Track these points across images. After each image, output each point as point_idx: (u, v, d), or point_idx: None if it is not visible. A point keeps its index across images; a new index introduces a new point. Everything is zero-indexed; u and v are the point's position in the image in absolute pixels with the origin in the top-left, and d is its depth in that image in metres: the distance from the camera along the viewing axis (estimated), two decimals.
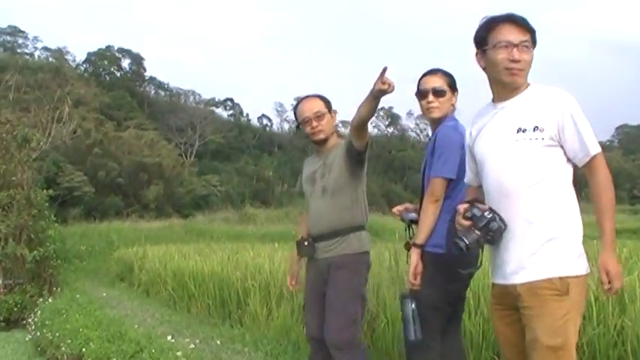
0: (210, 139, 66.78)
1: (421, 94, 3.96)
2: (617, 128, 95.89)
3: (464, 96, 4.05)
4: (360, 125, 3.87)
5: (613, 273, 2.77)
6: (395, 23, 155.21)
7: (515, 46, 2.91)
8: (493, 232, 2.94)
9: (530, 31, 2.96)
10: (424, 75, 4.01)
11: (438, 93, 3.93)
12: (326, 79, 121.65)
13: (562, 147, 2.88)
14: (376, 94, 3.52)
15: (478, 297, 5.30)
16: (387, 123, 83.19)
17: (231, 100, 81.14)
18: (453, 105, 4.00)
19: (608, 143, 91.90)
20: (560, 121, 2.84)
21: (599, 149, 2.86)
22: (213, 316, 8.64)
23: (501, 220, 2.93)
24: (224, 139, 68.88)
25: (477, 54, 3.07)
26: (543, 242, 2.86)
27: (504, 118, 3.00)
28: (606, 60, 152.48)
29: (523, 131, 2.91)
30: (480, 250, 3.13)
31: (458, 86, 4.01)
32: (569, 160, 2.91)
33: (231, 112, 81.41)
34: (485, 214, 2.96)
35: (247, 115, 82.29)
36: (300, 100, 4.44)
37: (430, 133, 4.07)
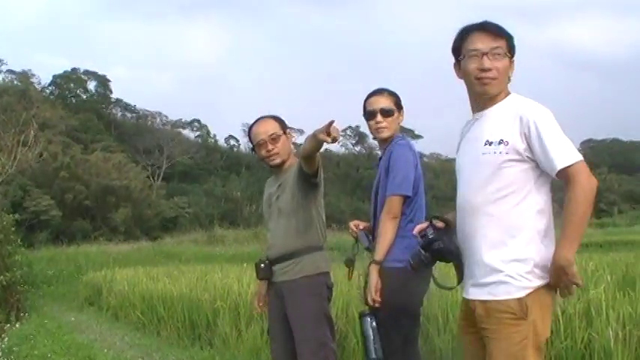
0: (177, 161, 66.48)
1: (370, 115, 4.01)
2: (582, 143, 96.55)
3: None
4: (305, 157, 3.80)
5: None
6: (362, 41, 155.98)
7: (485, 54, 2.82)
8: (434, 252, 2.97)
9: (506, 37, 2.86)
10: (370, 96, 4.06)
11: (386, 113, 3.98)
12: (293, 99, 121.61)
13: (535, 161, 2.75)
14: (318, 139, 3.46)
15: (447, 314, 5.33)
16: (354, 142, 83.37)
17: (198, 121, 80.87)
18: (399, 124, 4.05)
19: None
20: (527, 134, 2.71)
21: (571, 161, 2.68)
22: (182, 339, 8.56)
23: (450, 240, 2.94)
24: (192, 160, 68.59)
25: (454, 65, 2.99)
26: (503, 263, 2.75)
27: (478, 129, 2.91)
28: (570, 76, 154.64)
29: (490, 144, 2.80)
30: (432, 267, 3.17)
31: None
32: (541, 174, 2.78)
33: (198, 133, 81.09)
34: (429, 233, 2.98)
35: (214, 136, 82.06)
36: (253, 122, 4.31)
37: (380, 153, 4.11)
